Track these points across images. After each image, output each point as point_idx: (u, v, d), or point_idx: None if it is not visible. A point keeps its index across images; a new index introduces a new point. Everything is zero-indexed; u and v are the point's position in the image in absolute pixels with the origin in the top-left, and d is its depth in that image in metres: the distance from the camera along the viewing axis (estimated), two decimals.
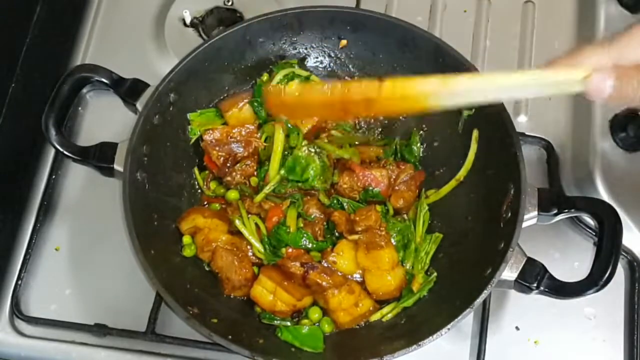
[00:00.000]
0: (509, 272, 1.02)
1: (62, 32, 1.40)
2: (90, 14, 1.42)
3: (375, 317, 1.11)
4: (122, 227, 1.04)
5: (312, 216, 1.15)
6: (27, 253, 1.22)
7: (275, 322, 1.10)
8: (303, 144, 1.17)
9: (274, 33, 1.22)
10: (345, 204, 1.16)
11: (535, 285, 1.02)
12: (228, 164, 1.19)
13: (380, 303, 1.13)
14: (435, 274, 1.14)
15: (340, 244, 1.12)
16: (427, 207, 1.19)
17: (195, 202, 1.21)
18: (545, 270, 1.03)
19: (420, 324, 1.07)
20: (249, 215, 1.15)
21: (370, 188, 1.15)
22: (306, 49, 1.26)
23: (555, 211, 1.07)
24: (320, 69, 1.28)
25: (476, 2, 1.43)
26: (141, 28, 1.40)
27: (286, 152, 1.17)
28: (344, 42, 1.25)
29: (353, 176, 1.16)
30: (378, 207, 1.15)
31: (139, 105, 1.13)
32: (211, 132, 1.19)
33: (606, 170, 1.22)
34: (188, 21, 1.39)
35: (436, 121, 1.23)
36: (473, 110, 1.17)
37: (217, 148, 1.18)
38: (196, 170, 1.22)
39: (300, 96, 0.92)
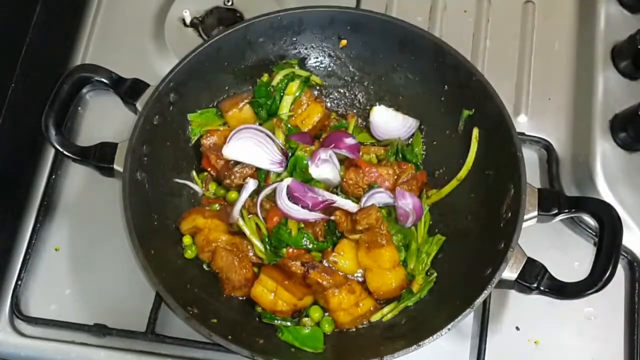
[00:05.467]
0: (509, 272, 1.02)
1: (62, 32, 1.40)
2: (90, 14, 1.43)
3: (375, 317, 1.11)
4: (122, 228, 1.04)
5: None
6: (27, 253, 1.22)
7: (276, 322, 1.10)
8: None
9: (274, 33, 1.22)
10: None
11: (535, 285, 1.02)
12: (228, 166, 1.18)
13: (381, 303, 1.13)
14: (435, 274, 1.14)
15: (341, 243, 1.12)
16: (427, 207, 1.19)
17: (195, 202, 1.21)
18: (546, 271, 1.03)
19: (420, 324, 1.07)
20: (250, 216, 1.15)
21: (375, 185, 1.15)
22: (306, 49, 1.26)
23: (555, 211, 1.07)
24: (321, 69, 1.28)
25: (476, 2, 1.43)
26: (141, 28, 1.40)
27: None
28: (344, 42, 1.25)
29: (359, 172, 1.16)
30: (383, 211, 1.15)
31: (139, 105, 1.13)
32: (209, 136, 1.19)
33: (606, 171, 1.22)
34: (188, 21, 1.39)
35: (436, 121, 1.23)
36: (473, 110, 1.17)
37: (216, 152, 1.18)
38: (194, 173, 1.22)
39: None
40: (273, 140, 1.18)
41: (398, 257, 1.12)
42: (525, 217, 1.05)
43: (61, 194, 1.28)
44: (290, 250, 1.12)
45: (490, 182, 1.14)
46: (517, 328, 1.18)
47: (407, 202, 1.14)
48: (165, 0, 1.42)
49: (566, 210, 1.07)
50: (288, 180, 1.13)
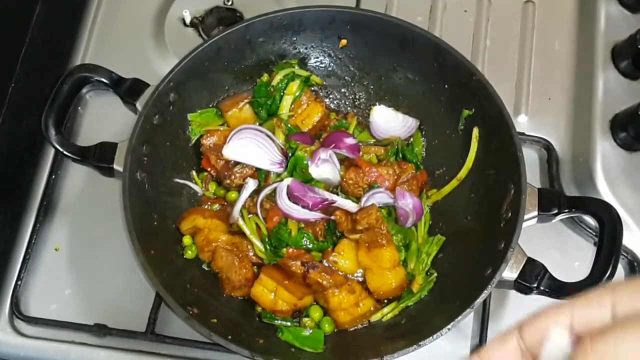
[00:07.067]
0: (509, 272, 1.02)
1: (62, 32, 1.40)
2: (90, 13, 1.42)
3: (375, 317, 1.11)
4: (122, 227, 1.04)
5: None
6: (26, 253, 1.22)
7: (276, 321, 1.10)
8: None
9: (274, 33, 1.22)
10: None
11: (535, 285, 1.02)
12: (228, 166, 1.18)
13: (381, 303, 1.13)
14: (435, 274, 1.13)
15: (341, 243, 1.12)
16: (427, 207, 1.19)
17: (195, 202, 1.21)
18: (546, 271, 1.03)
19: (420, 324, 1.07)
20: (250, 215, 1.15)
21: (375, 185, 1.15)
22: (306, 48, 1.26)
23: (555, 211, 1.07)
24: (321, 68, 1.28)
25: (476, 2, 1.43)
26: (141, 28, 1.40)
27: None
28: (344, 42, 1.25)
29: (359, 172, 1.16)
30: (383, 211, 1.15)
31: (139, 105, 1.13)
32: (209, 136, 1.19)
33: (606, 170, 1.22)
34: (188, 21, 1.39)
35: (436, 121, 1.23)
36: (473, 110, 1.17)
37: (216, 152, 1.18)
38: (194, 173, 1.22)
39: None
40: (273, 141, 1.18)
41: (398, 257, 1.12)
42: (526, 217, 1.05)
43: (61, 194, 1.28)
44: (290, 250, 1.12)
45: (491, 182, 1.14)
46: None
47: (407, 202, 1.14)
48: (165, 0, 1.42)
49: (566, 210, 1.07)
50: (288, 180, 1.14)
